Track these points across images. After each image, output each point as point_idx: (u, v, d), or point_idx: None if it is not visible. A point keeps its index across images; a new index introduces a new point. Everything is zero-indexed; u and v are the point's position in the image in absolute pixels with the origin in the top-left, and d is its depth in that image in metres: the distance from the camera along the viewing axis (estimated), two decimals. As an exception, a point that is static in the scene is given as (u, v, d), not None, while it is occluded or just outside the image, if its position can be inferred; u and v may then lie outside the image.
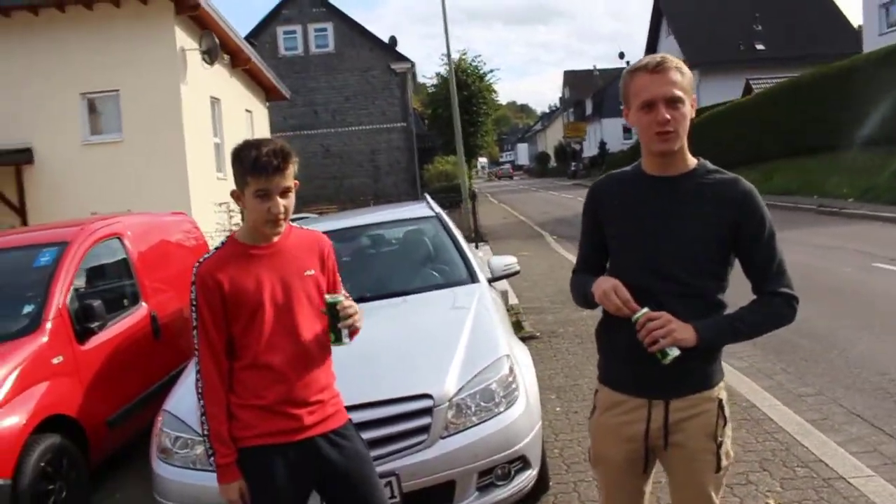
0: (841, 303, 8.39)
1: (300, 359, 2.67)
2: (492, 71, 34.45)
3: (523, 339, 6.16)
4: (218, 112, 16.91)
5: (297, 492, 2.68)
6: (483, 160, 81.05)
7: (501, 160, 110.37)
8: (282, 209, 2.59)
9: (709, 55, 41.98)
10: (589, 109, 68.19)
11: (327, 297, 2.69)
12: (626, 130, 58.77)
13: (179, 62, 14.40)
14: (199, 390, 2.63)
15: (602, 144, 57.91)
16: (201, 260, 2.69)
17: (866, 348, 6.57)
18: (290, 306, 2.67)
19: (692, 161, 2.35)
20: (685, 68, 2.28)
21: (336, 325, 2.65)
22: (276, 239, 2.71)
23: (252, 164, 2.54)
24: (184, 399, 3.90)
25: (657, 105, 2.21)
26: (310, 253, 2.81)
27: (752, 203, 2.28)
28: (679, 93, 2.22)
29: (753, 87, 33.68)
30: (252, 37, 30.98)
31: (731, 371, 6.08)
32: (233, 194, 2.67)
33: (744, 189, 2.30)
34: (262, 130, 21.50)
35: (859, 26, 34.86)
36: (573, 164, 63.59)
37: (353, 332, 2.71)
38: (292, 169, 2.62)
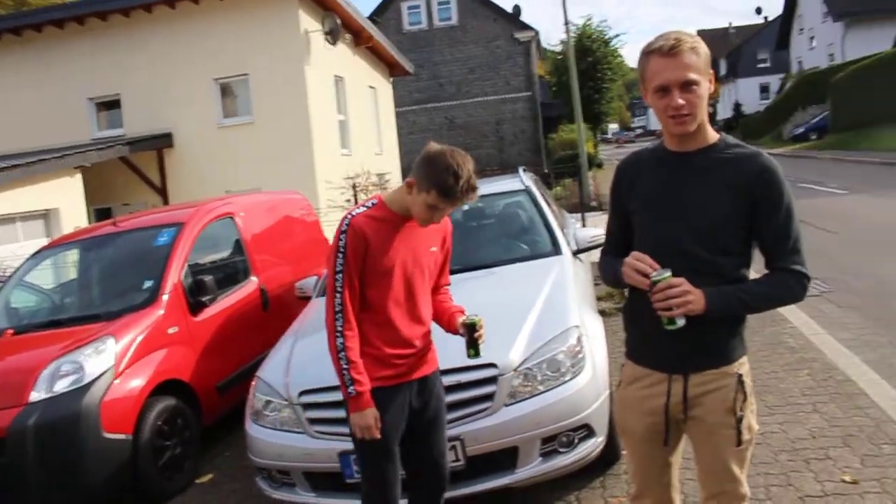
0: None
1: (413, 320, 3.06)
2: (617, 35, 33.74)
3: (603, 313, 6.19)
4: (342, 90, 17.46)
5: (399, 426, 3.07)
6: (614, 126, 79.29)
7: (633, 125, 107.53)
8: (441, 219, 3.01)
9: (856, 5, 39.16)
10: (723, 70, 65.14)
11: (466, 318, 3.08)
12: (763, 90, 55.89)
13: (303, 44, 15.00)
14: (339, 328, 2.93)
15: (737, 106, 55.32)
16: (354, 213, 3.00)
17: None
18: (413, 275, 3.05)
19: (713, 136, 2.33)
20: (701, 46, 2.23)
21: (476, 342, 3.05)
22: None
23: (446, 192, 2.83)
24: (275, 367, 4.27)
25: (671, 90, 2.20)
26: (437, 232, 3.17)
27: (771, 178, 2.25)
28: (694, 76, 2.19)
29: (905, 38, 31.25)
30: (377, 13, 31.64)
31: (833, 343, 5.90)
32: (408, 183, 2.94)
33: (764, 163, 2.27)
34: (386, 106, 22.00)
35: None
36: (708, 127, 60.86)
37: None
38: None
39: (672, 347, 2.32)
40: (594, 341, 4.11)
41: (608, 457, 4.12)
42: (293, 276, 6.82)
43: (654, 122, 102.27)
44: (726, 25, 76.21)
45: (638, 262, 2.26)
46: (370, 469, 3.10)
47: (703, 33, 78.13)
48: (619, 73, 35.94)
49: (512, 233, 5.72)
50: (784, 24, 50.24)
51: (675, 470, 2.56)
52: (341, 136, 16.99)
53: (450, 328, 3.20)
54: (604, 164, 36.27)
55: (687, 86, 2.19)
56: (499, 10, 33.14)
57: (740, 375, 2.35)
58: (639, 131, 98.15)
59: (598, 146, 44.03)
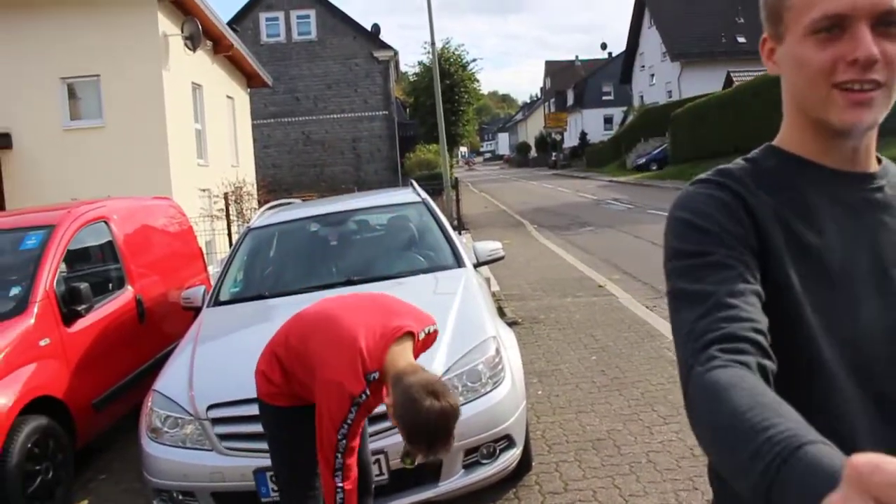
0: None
1: None
2: (474, 60, 34.44)
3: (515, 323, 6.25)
4: (199, 98, 16.80)
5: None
6: (464, 149, 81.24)
7: (482, 149, 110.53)
8: None
9: (691, 47, 42.28)
10: (570, 100, 68.35)
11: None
12: (607, 121, 59.02)
13: (161, 48, 14.29)
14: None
15: (583, 135, 58.17)
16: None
17: None
18: None
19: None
20: None
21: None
22: None
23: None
24: (175, 379, 3.95)
25: (856, 26, 1.09)
26: None
27: None
28: None
29: (734, 79, 33.91)
30: (234, 23, 30.79)
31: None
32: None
33: None
34: (243, 117, 21.42)
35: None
36: (554, 154, 63.71)
37: None
38: None
39: None
40: (510, 352, 4.10)
41: (521, 468, 4.11)
42: (168, 286, 6.43)
43: (502, 148, 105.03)
44: (573, 58, 79.97)
45: None
46: (292, 485, 2.97)
47: (551, 63, 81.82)
48: (475, 97, 36.73)
49: (413, 244, 5.63)
50: (627, 61, 53.39)
51: None
52: (198, 145, 16.33)
53: None
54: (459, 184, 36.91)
55: (887, 23, 1.10)
56: (359, 28, 33.12)
57: None
58: (487, 155, 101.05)
59: (453, 167, 44.85)
